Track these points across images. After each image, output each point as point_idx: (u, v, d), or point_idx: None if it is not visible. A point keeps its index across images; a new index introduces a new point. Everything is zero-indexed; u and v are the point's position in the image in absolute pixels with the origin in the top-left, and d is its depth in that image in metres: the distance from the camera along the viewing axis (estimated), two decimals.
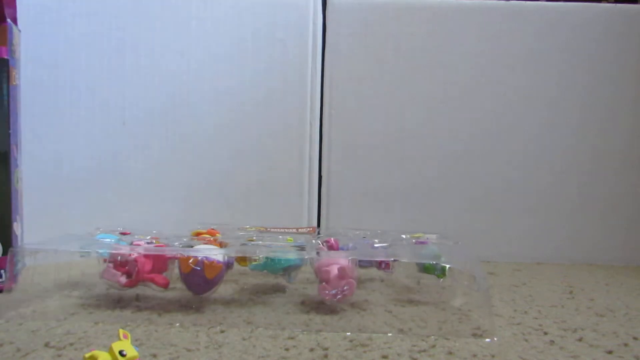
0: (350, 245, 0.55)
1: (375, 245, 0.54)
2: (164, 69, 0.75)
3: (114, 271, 0.48)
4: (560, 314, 0.50)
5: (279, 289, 0.55)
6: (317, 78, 0.77)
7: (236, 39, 0.76)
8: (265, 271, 0.51)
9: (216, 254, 0.47)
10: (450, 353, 0.38)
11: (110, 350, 0.30)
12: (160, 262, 0.49)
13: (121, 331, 0.32)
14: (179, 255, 0.47)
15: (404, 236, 0.59)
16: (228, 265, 0.52)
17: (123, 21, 0.74)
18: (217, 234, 0.59)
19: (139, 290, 0.51)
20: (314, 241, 0.55)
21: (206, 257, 0.46)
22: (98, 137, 0.74)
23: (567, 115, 0.77)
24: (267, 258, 0.50)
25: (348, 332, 0.42)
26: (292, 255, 0.50)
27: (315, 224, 0.78)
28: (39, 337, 0.40)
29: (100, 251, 0.49)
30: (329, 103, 0.77)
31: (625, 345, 0.42)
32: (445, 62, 0.77)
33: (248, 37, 0.76)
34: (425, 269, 0.54)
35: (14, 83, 0.55)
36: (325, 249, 0.53)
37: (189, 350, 0.38)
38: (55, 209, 0.74)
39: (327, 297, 0.47)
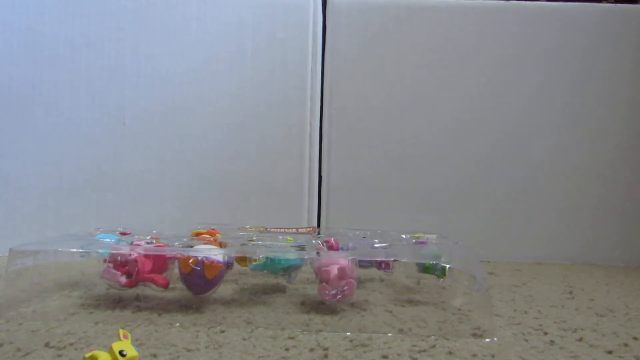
0: (350, 245, 0.55)
1: (375, 245, 0.54)
2: (164, 69, 0.75)
3: (114, 271, 0.48)
4: (560, 314, 0.50)
5: (279, 289, 0.55)
6: (317, 78, 0.77)
7: (236, 39, 0.76)
8: (265, 271, 0.51)
9: (216, 254, 0.47)
10: (450, 353, 0.38)
11: (110, 350, 0.30)
12: (160, 262, 0.49)
13: (121, 331, 0.32)
14: (179, 255, 0.47)
15: (404, 236, 0.59)
16: (228, 265, 0.52)
17: (123, 21, 0.74)
18: (217, 234, 0.59)
19: (139, 290, 0.51)
20: (314, 241, 0.55)
21: (206, 257, 0.46)
22: (98, 137, 0.74)
23: (566, 115, 0.77)
24: (267, 258, 0.50)
25: (348, 332, 0.42)
26: (292, 255, 0.50)
27: (315, 224, 0.78)
28: (39, 337, 0.40)
29: (100, 251, 0.49)
30: (329, 103, 0.77)
31: (625, 345, 0.41)
32: (445, 62, 0.77)
33: (248, 37, 0.76)
34: (425, 269, 0.54)
35: None
36: (325, 249, 0.53)
37: (189, 350, 0.38)
38: (55, 209, 0.74)
39: (327, 297, 0.47)
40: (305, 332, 0.42)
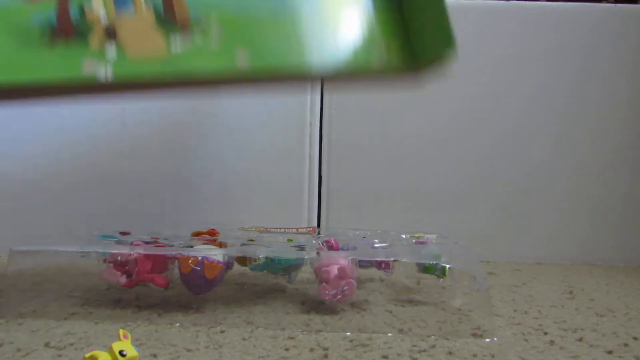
0: (350, 245, 0.55)
1: (375, 245, 0.54)
2: None
3: (114, 271, 0.48)
4: (560, 314, 0.50)
5: (279, 289, 0.55)
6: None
7: None
8: (265, 271, 0.51)
9: (216, 254, 0.47)
10: (450, 353, 0.38)
11: (110, 350, 0.30)
12: (160, 262, 0.49)
13: (121, 331, 0.32)
14: (179, 255, 0.47)
15: (404, 236, 0.59)
16: (228, 265, 0.52)
17: None
18: (217, 234, 0.59)
19: (139, 290, 0.51)
20: (314, 241, 0.55)
21: (206, 257, 0.46)
22: (98, 137, 0.74)
23: (566, 115, 0.77)
24: (267, 258, 0.50)
25: (348, 332, 0.42)
26: (292, 255, 0.50)
27: (315, 224, 0.78)
28: (39, 337, 0.40)
29: (100, 251, 0.49)
30: (329, 103, 0.77)
31: (625, 345, 0.42)
32: None
33: None
34: (425, 269, 0.54)
35: None
36: (325, 249, 0.53)
37: (189, 350, 0.38)
38: (55, 209, 0.74)
39: (327, 297, 0.47)
40: (305, 332, 0.42)
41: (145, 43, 0.38)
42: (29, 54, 0.36)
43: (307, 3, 0.42)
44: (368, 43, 0.44)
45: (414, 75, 0.45)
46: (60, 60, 0.36)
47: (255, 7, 0.41)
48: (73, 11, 0.38)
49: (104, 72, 0.37)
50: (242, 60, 0.40)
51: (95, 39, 0.37)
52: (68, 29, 0.37)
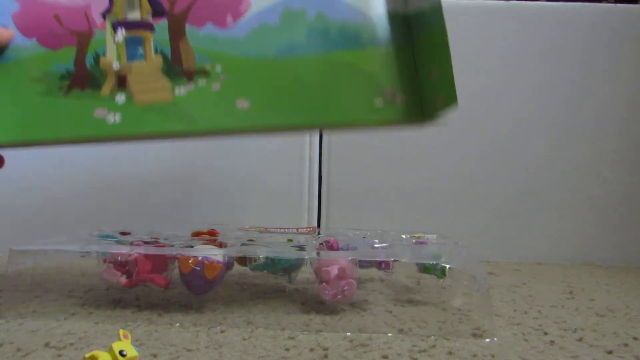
0: (350, 245, 0.55)
1: (375, 245, 0.54)
2: None
3: (114, 271, 0.48)
4: (560, 314, 0.50)
5: (279, 289, 0.55)
6: None
7: None
8: (265, 271, 0.51)
9: (216, 254, 0.47)
10: (450, 353, 0.38)
11: (110, 350, 0.30)
12: (160, 262, 0.49)
13: (121, 331, 0.32)
14: (179, 255, 0.47)
15: (404, 236, 0.59)
16: (228, 265, 0.52)
17: None
18: (217, 234, 0.59)
19: (139, 290, 0.51)
20: (314, 241, 0.55)
21: (206, 257, 0.46)
22: None
23: (566, 115, 0.77)
24: (267, 258, 0.50)
25: (348, 332, 0.42)
26: (292, 255, 0.50)
27: (315, 224, 0.78)
28: (39, 337, 0.40)
29: (100, 251, 0.49)
30: None
31: (625, 345, 0.42)
32: None
33: None
34: (425, 269, 0.54)
35: None
36: (325, 249, 0.53)
37: (189, 350, 0.38)
38: (55, 209, 0.74)
39: (327, 297, 0.47)
40: (305, 332, 0.42)
41: (151, 88, 0.40)
42: (49, 105, 0.40)
43: (315, 48, 0.42)
44: (376, 93, 0.44)
45: (416, 125, 0.46)
46: (74, 112, 0.40)
47: (261, 52, 0.42)
48: (89, 58, 0.40)
49: (113, 118, 0.39)
50: (242, 110, 0.41)
51: (107, 85, 0.40)
52: (84, 76, 0.40)
